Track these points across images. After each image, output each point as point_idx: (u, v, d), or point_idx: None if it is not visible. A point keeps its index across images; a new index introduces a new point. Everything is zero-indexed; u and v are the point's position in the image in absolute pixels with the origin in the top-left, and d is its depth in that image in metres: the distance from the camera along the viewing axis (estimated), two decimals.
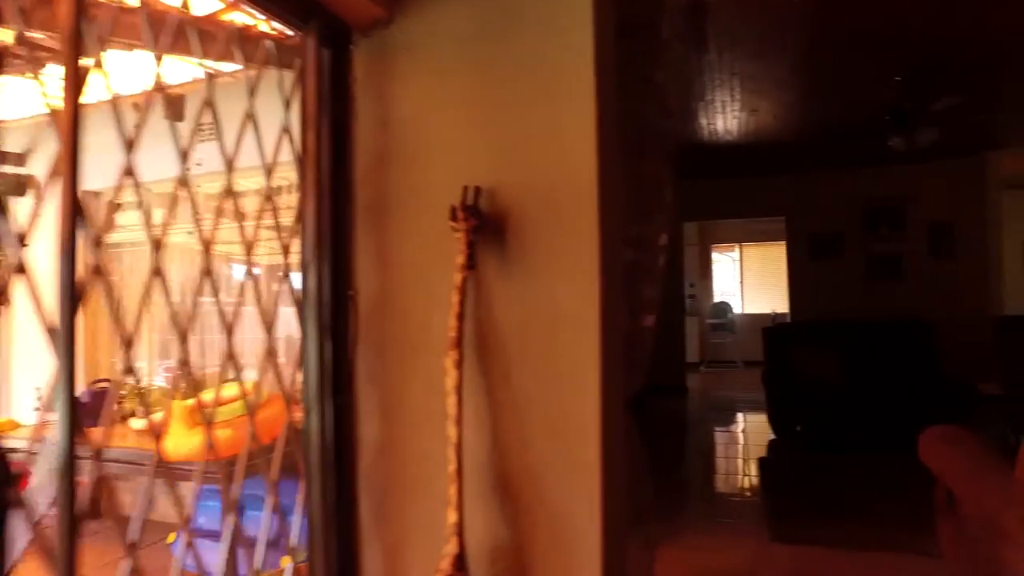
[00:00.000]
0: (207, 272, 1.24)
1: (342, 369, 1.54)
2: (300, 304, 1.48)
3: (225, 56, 1.44)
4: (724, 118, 5.62)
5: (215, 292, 1.26)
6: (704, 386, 9.16)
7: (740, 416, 6.99)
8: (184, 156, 1.18)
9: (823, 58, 4.23)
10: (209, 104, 1.24)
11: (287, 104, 1.42)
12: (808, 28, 3.79)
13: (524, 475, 1.40)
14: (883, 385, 5.23)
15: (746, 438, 5.83)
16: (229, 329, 1.28)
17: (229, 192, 1.30)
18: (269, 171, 1.41)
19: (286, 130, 1.42)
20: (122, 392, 3.07)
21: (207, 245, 1.24)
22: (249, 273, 1.41)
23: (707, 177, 8.23)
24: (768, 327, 6.04)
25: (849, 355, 5.63)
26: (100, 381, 3.39)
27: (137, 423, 2.92)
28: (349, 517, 1.50)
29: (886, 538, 3.19)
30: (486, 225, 1.42)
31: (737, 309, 11.34)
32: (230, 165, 1.29)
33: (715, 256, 11.62)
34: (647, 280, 1.69)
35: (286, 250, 1.48)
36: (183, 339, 1.17)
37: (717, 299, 11.43)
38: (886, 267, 7.68)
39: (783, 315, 9.49)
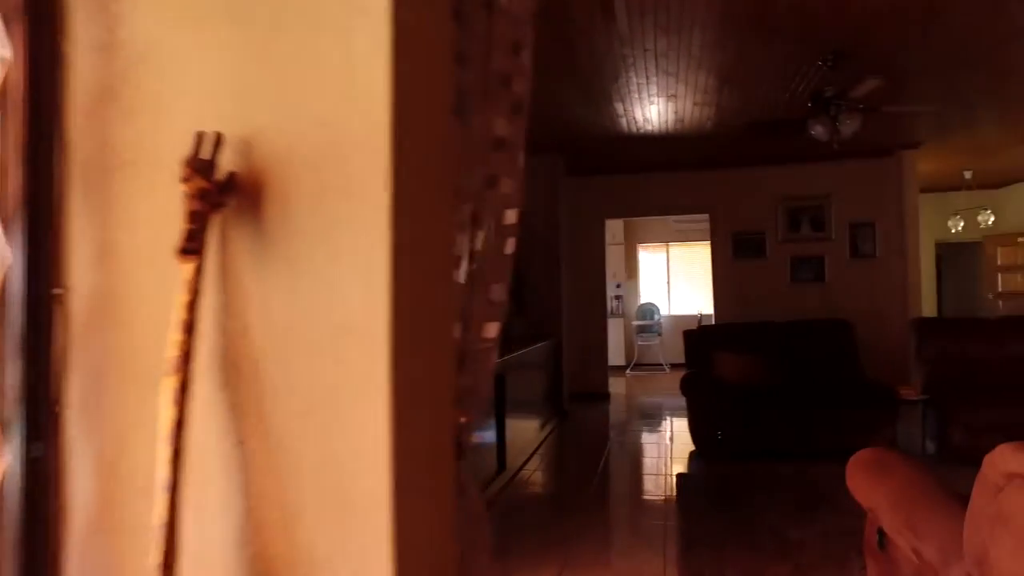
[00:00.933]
0: None
1: (40, 403, 1.05)
2: None
3: None
4: (642, 104, 5.31)
5: None
6: (629, 391, 8.92)
7: (662, 424, 6.73)
8: None
9: (736, 36, 3.94)
10: None
11: None
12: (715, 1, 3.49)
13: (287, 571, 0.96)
14: (807, 390, 5.03)
15: (665, 450, 5.54)
16: None
17: None
18: None
19: None
20: None
21: None
22: None
23: (630, 172, 7.97)
24: (689, 330, 5.79)
25: (772, 358, 5.42)
26: None
27: None
28: None
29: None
30: (233, 191, 0.97)
31: (665, 311, 11.19)
32: None
33: (643, 256, 11.45)
34: (488, 274, 1.27)
35: None
36: None
37: (644, 300, 11.26)
38: (809, 268, 7.60)
39: (710, 316, 9.34)
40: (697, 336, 5.73)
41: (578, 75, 4.62)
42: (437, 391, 1.17)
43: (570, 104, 5.32)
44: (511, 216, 1.40)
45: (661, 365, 10.81)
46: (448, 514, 1.15)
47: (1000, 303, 9.51)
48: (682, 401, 5.27)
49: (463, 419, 1.19)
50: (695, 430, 5.05)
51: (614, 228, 10.94)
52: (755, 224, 7.71)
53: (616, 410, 7.43)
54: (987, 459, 1.37)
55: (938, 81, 4.82)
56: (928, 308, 9.58)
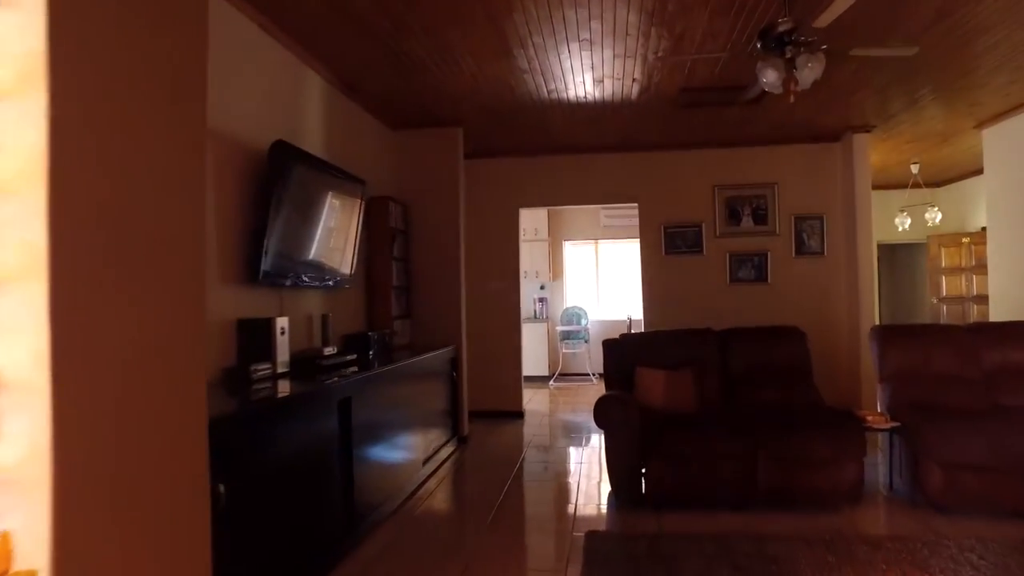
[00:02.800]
0: None
1: None
2: None
3: None
4: (548, 56, 4.17)
5: None
6: (549, 406, 7.80)
7: (581, 451, 5.63)
8: None
9: None
10: None
11: None
12: None
13: None
14: (752, 417, 3.99)
15: (576, 492, 4.42)
16: None
17: None
18: None
19: None
20: None
21: None
22: None
23: (546, 153, 6.86)
24: (609, 340, 4.70)
25: (708, 375, 4.37)
26: None
27: None
28: None
29: None
30: None
31: (593, 315, 10.16)
32: None
33: (569, 254, 10.39)
34: None
35: None
36: None
37: (570, 304, 10.19)
38: (750, 266, 6.65)
39: (641, 323, 8.34)
40: (618, 347, 4.63)
41: (465, 11, 3.45)
42: None
43: (462, 54, 4.14)
44: None
45: (588, 375, 9.76)
46: None
47: (944, 308, 8.85)
48: None
49: None
50: (613, 469, 3.94)
51: (537, 222, 9.85)
52: (689, 215, 6.72)
53: (530, 432, 6.28)
54: None
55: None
56: (888, 313, 8.88)
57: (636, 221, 9.60)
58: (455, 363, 5.65)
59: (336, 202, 4.21)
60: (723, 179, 6.67)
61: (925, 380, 4.17)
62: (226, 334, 3.27)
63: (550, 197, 6.89)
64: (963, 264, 8.55)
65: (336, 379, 3.38)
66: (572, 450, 5.61)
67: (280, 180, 3.45)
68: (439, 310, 5.73)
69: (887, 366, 4.33)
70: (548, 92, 4.99)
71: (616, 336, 4.89)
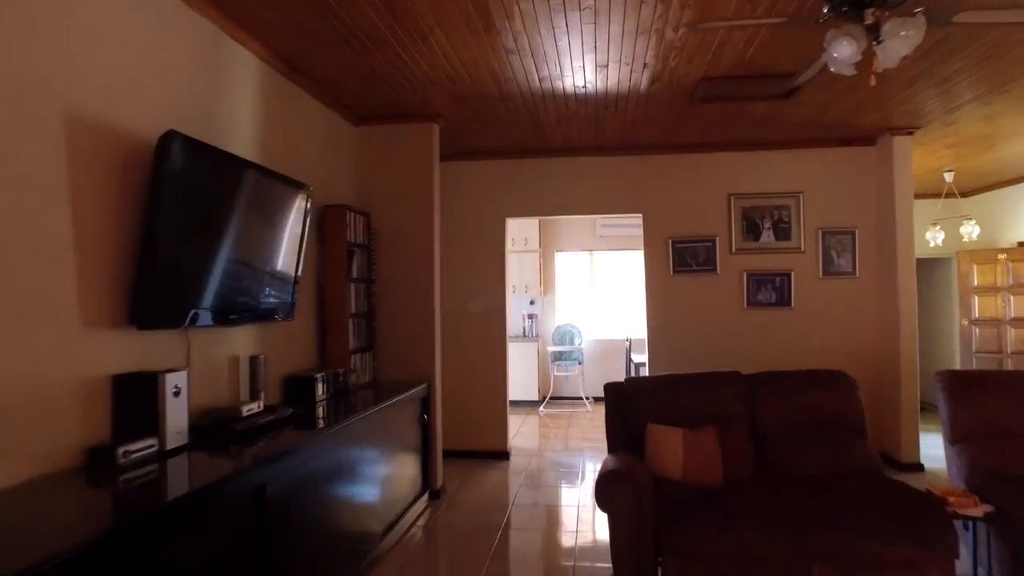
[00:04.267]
0: None
1: None
2: None
3: None
4: (540, 31, 3.29)
5: None
6: (539, 440, 6.89)
7: (573, 516, 4.73)
8: None
9: None
10: None
11: None
12: None
13: None
14: (801, 499, 3.11)
15: None
16: None
17: None
18: None
19: None
20: None
21: None
22: None
23: (538, 155, 5.98)
24: (612, 385, 3.80)
25: (738, 438, 3.48)
26: None
27: None
28: None
29: None
30: None
31: (588, 333, 9.26)
32: None
33: (561, 267, 9.50)
34: None
35: None
36: None
37: (562, 321, 9.29)
38: (771, 288, 5.78)
39: (643, 343, 7.51)
40: (623, 395, 3.73)
41: None
42: None
43: (429, 24, 3.24)
44: None
45: (582, 399, 8.87)
46: None
47: (976, 330, 8.02)
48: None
49: None
50: (620, 565, 3.03)
51: (527, 231, 8.96)
52: (701, 228, 5.85)
53: (516, 479, 5.38)
54: None
55: None
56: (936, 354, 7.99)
57: (635, 230, 8.74)
58: (427, 403, 4.74)
59: (269, 213, 3.30)
60: (740, 187, 5.81)
61: (1015, 446, 3.30)
62: (96, 398, 2.36)
63: (541, 206, 6.00)
64: (998, 283, 7.71)
65: (250, 459, 2.47)
66: (566, 511, 4.70)
67: (174, 184, 2.54)
68: (409, 340, 4.82)
69: (961, 423, 3.46)
70: (540, 80, 4.10)
71: (614, 383, 4.00)
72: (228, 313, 2.98)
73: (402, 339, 4.81)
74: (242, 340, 3.34)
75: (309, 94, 4.18)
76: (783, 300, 5.72)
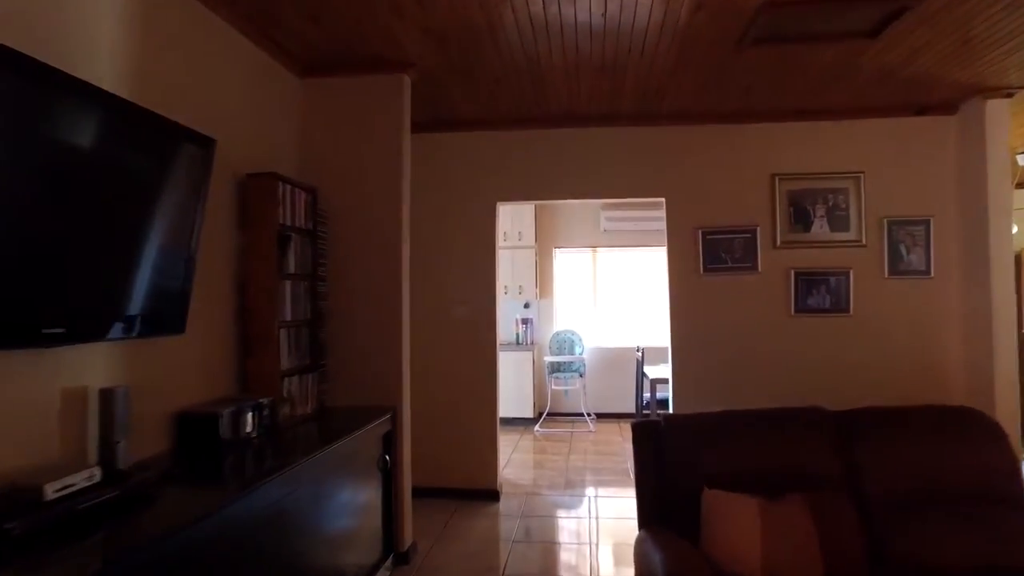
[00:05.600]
0: None
1: None
2: None
3: None
4: None
5: None
6: (534, 472, 5.75)
7: None
8: None
9: None
10: None
11: None
12: None
13: None
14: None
15: None
16: None
17: None
18: None
19: None
20: None
21: None
22: None
23: (536, 126, 4.85)
24: (642, 424, 2.67)
25: (830, 500, 2.38)
26: None
27: None
28: None
29: None
30: None
31: (591, 341, 8.14)
32: None
33: (560, 264, 8.37)
34: None
35: None
36: None
37: (561, 328, 8.16)
38: (824, 289, 4.68)
39: (659, 351, 6.46)
40: (657, 437, 2.60)
41: None
42: None
43: None
44: None
45: (583, 416, 7.75)
46: None
47: None
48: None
49: None
50: None
51: (521, 224, 7.85)
52: (738, 216, 4.74)
53: (507, 529, 4.26)
54: None
55: None
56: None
57: (645, 223, 7.62)
58: (390, 439, 3.60)
59: (137, 170, 2.17)
60: (786, 166, 4.70)
61: None
62: None
63: (541, 189, 4.87)
64: None
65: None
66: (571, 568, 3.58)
67: None
68: (369, 355, 3.68)
69: None
70: (545, 6, 2.97)
71: (643, 420, 2.87)
72: (43, 326, 1.84)
73: (360, 354, 3.67)
74: (93, 365, 2.19)
75: (236, 29, 3.05)
76: (839, 305, 4.62)
